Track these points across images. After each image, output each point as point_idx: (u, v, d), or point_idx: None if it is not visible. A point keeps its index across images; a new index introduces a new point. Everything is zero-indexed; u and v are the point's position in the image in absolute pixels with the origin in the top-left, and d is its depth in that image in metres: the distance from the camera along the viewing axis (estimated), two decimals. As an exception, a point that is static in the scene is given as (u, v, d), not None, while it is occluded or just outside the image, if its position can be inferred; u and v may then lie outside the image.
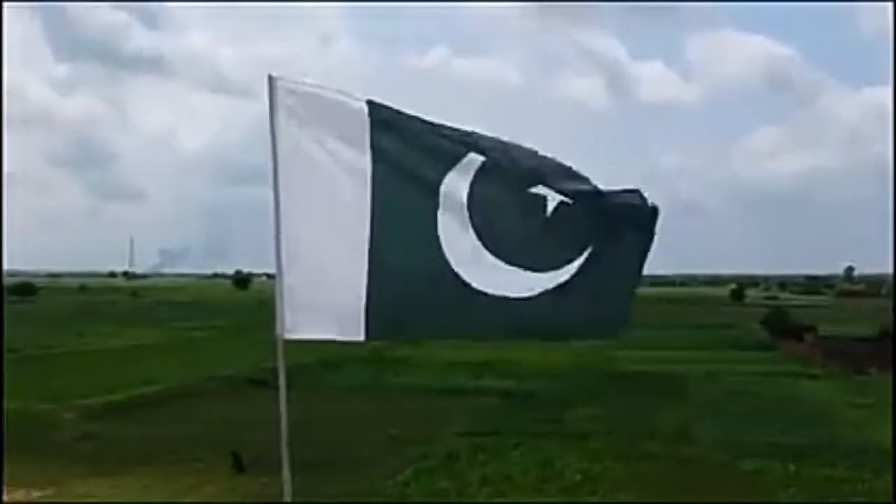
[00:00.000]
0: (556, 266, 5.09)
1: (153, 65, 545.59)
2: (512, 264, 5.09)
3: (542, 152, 5.30)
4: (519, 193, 5.10)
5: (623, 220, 5.13)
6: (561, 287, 5.09)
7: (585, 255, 5.10)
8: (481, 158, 5.11)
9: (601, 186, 5.19)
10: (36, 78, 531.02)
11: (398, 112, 5.25)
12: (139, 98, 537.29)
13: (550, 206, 5.07)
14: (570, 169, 5.22)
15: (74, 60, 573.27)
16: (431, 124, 5.26)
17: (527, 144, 5.31)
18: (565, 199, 5.06)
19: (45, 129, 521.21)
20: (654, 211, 5.17)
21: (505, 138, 5.30)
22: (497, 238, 5.10)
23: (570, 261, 5.09)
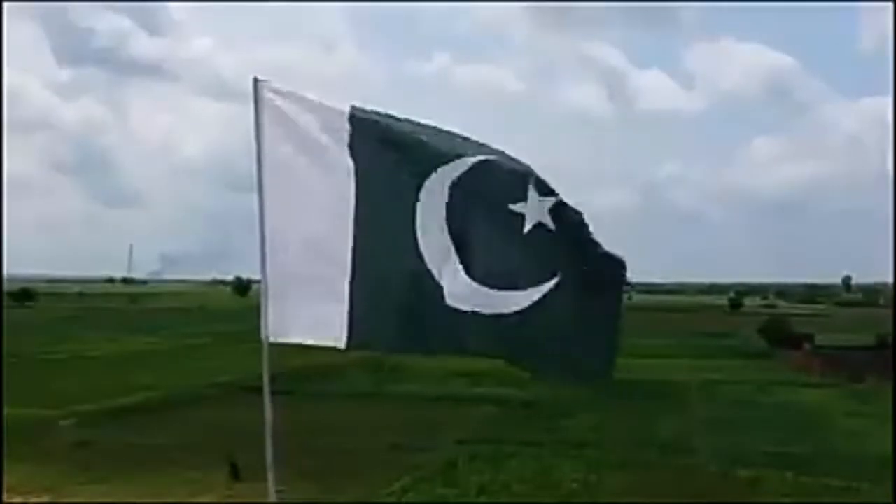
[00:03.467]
0: (524, 287, 4.93)
1: (155, 70, 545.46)
2: (479, 282, 4.96)
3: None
4: (499, 208, 4.96)
5: (596, 260, 4.95)
6: (525, 311, 4.94)
7: (553, 282, 4.92)
8: (467, 163, 5.00)
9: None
10: (38, 82, 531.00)
11: (382, 115, 5.21)
12: (141, 103, 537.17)
13: (528, 227, 4.92)
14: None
15: (77, 65, 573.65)
16: (419, 126, 5.19)
17: (524, 157, 5.21)
18: (544, 223, 4.91)
19: (47, 134, 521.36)
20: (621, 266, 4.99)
21: (498, 147, 5.17)
22: (471, 253, 5.00)
23: (538, 283, 4.92)
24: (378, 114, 5.24)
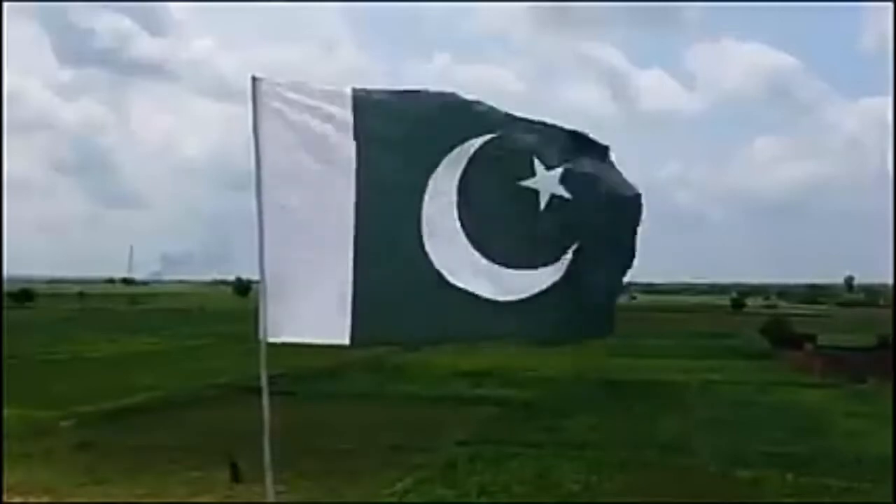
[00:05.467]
0: (545, 263, 5.00)
1: (156, 70, 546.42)
2: (499, 263, 5.01)
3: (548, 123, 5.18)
4: (509, 187, 5.00)
5: (613, 212, 5.08)
6: (549, 290, 4.99)
7: (571, 251, 5.00)
8: (476, 144, 5.02)
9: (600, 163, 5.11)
10: (39, 83, 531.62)
11: (387, 94, 5.17)
12: (142, 104, 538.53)
13: (543, 202, 4.98)
14: (576, 140, 5.12)
15: (78, 66, 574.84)
16: (427, 97, 5.14)
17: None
18: (559, 194, 4.97)
19: (48, 134, 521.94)
20: (637, 203, 5.10)
21: (515, 113, 5.17)
22: (486, 236, 5.02)
23: (556, 259, 5.00)
24: (383, 92, 5.19)
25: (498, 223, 5.04)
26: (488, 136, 5.06)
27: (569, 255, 4.99)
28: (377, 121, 5.10)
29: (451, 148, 5.05)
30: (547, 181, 4.99)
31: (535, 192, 4.98)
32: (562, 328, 5.18)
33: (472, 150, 5.04)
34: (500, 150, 5.05)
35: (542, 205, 4.98)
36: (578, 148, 5.14)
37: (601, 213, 5.03)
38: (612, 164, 5.21)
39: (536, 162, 5.00)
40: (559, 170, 5.00)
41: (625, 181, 5.15)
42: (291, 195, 5.18)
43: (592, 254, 5.02)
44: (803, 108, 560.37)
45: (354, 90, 5.13)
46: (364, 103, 5.12)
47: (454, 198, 5.03)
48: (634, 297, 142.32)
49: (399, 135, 5.11)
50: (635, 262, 5.19)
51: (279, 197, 5.16)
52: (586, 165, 5.08)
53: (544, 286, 4.99)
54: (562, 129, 5.20)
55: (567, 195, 4.97)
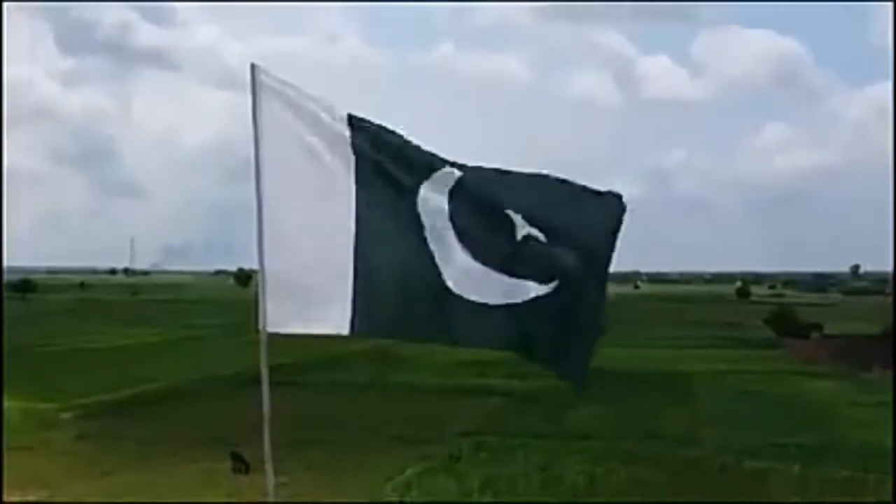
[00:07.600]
0: (535, 279, 4.95)
1: (159, 60, 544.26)
2: (494, 269, 4.97)
3: (518, 173, 5.18)
4: (495, 212, 5.00)
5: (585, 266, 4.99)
6: (540, 299, 4.94)
7: (555, 283, 4.95)
8: (458, 173, 5.06)
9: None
10: (41, 73, 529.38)
11: (375, 124, 5.22)
12: (144, 93, 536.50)
13: (519, 235, 4.95)
14: (545, 194, 5.10)
15: (80, 55, 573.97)
16: (408, 140, 5.21)
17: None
18: (534, 234, 4.95)
19: (49, 125, 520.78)
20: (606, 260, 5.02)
21: (484, 165, 5.22)
22: (478, 244, 4.99)
23: (544, 281, 4.96)
24: (369, 121, 5.22)
25: (488, 237, 5.02)
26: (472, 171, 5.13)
27: (552, 284, 4.96)
28: (369, 129, 5.15)
29: (440, 166, 5.09)
30: (523, 223, 4.98)
31: (513, 223, 4.97)
32: (556, 343, 5.07)
33: (458, 174, 5.08)
34: (483, 179, 5.09)
35: (518, 237, 4.96)
36: (556, 206, 5.10)
37: (576, 258, 4.99)
38: (600, 220, 5.07)
39: (510, 212, 5.00)
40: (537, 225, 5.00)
41: (604, 242, 5.06)
42: (292, 184, 5.11)
43: (570, 295, 4.97)
44: (810, 96, 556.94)
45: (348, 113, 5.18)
46: (356, 116, 5.15)
47: (446, 207, 5.02)
48: (638, 286, 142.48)
49: (390, 144, 5.16)
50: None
51: (279, 185, 5.09)
52: (562, 219, 5.04)
53: (532, 295, 4.95)
54: (539, 190, 5.14)
55: (542, 238, 4.96)
